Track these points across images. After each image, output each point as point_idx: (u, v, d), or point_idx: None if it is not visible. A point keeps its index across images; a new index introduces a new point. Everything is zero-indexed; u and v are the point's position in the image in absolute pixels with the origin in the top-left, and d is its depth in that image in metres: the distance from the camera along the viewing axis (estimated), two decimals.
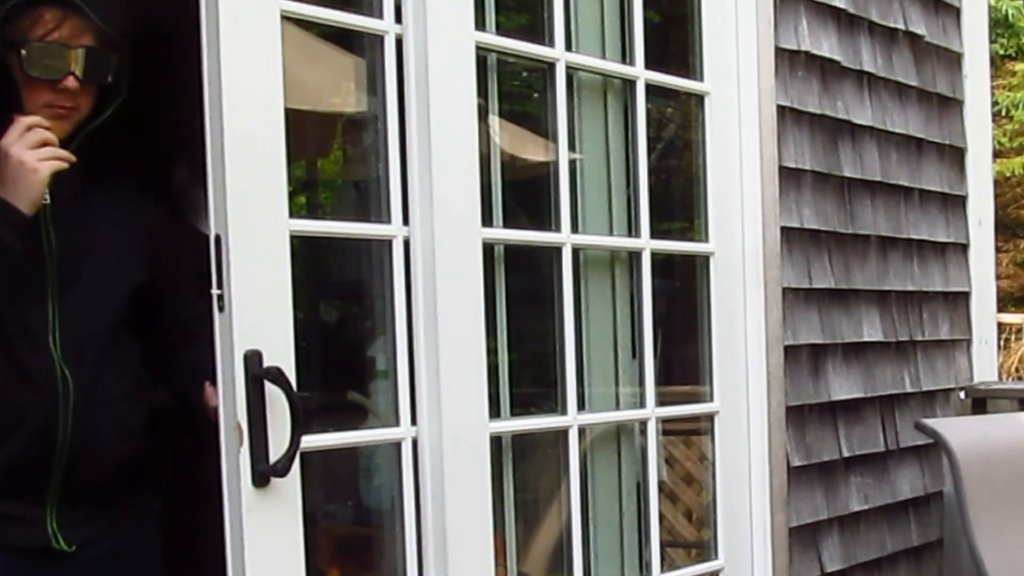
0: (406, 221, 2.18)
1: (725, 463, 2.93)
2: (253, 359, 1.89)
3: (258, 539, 1.90)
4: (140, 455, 2.34)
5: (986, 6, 4.10)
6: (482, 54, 2.34)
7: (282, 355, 1.94)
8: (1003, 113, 13.43)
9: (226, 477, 1.90)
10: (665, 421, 2.89)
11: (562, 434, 2.50)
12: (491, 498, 2.28)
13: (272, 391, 1.90)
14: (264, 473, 1.90)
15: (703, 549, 3.02)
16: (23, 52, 2.15)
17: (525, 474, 2.58)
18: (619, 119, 2.76)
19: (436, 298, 2.17)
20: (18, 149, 2.09)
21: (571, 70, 2.55)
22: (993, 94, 9.36)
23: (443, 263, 2.19)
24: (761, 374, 2.97)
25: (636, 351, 2.74)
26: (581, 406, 2.57)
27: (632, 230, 2.74)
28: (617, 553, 2.76)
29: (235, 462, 1.89)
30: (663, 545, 2.81)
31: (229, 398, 1.90)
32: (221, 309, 1.89)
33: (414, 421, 2.20)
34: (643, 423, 2.72)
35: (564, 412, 2.49)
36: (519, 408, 2.53)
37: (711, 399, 2.91)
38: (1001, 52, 13.81)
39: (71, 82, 2.18)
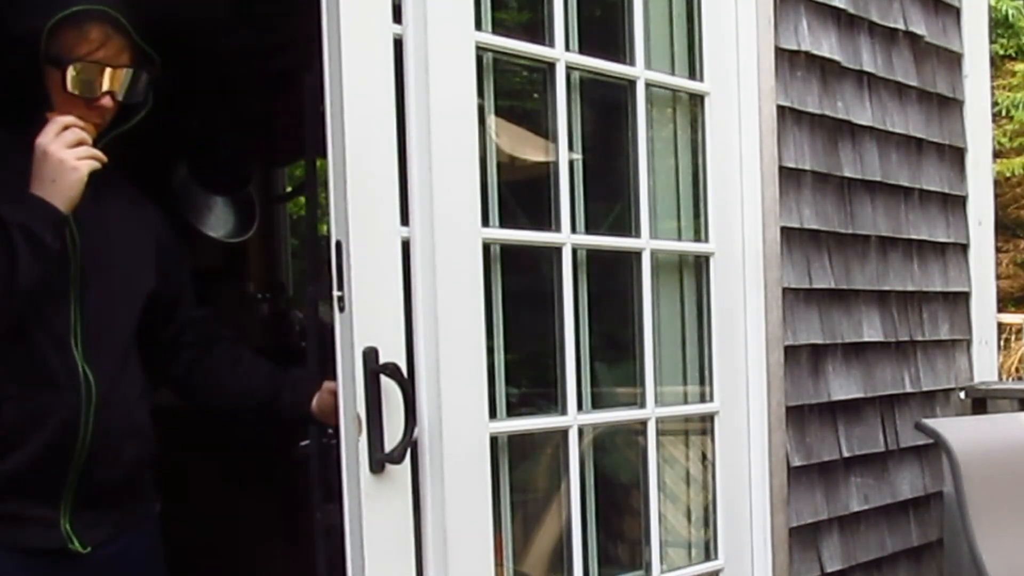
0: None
1: (725, 463, 2.94)
2: (371, 355, 2.03)
3: (375, 522, 2.03)
4: (151, 456, 2.34)
5: (986, 6, 4.10)
6: (481, 54, 2.34)
7: (396, 351, 2.06)
8: (1003, 113, 13.40)
9: (345, 464, 2.05)
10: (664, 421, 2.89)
11: (562, 434, 2.51)
12: (491, 498, 2.29)
13: (387, 384, 2.02)
14: (380, 461, 2.03)
15: (703, 549, 3.01)
16: (68, 71, 2.14)
17: (525, 474, 2.58)
18: (686, 128, 2.84)
19: (436, 298, 2.18)
20: (57, 147, 2.08)
21: (571, 70, 2.55)
22: (993, 94, 9.34)
23: (443, 263, 2.19)
24: (761, 374, 2.97)
25: (636, 350, 2.74)
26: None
27: (633, 230, 2.75)
28: (617, 553, 2.76)
29: (354, 450, 2.03)
30: (663, 545, 2.81)
31: (349, 391, 2.04)
32: (342, 310, 2.02)
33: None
34: (643, 423, 2.72)
35: (565, 412, 2.50)
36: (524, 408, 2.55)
37: (711, 399, 2.92)
38: (1001, 52, 13.79)
39: (107, 101, 2.18)
